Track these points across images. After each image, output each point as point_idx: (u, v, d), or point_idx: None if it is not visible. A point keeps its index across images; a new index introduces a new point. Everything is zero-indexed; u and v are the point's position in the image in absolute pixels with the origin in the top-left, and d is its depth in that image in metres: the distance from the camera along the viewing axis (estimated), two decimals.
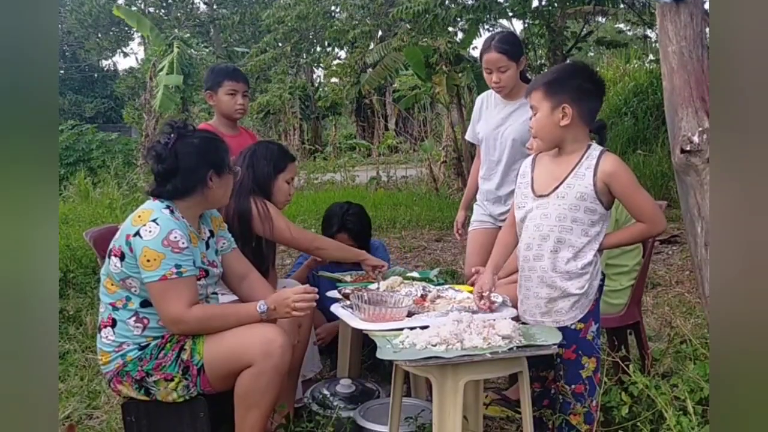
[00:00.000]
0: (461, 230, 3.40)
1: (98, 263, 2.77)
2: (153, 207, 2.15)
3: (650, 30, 10.42)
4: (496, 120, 3.13)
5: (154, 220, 2.09)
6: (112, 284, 2.16)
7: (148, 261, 2.05)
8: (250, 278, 2.39)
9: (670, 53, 2.54)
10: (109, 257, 2.15)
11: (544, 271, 2.10)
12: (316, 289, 2.25)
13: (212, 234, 2.35)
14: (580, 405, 2.05)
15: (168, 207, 2.16)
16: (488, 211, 3.19)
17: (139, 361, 2.12)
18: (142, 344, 2.14)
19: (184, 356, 2.12)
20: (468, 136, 3.39)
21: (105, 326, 2.18)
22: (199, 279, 2.18)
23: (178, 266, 2.07)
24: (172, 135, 2.17)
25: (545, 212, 2.10)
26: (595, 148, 2.08)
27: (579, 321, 2.09)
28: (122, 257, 2.10)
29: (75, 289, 4.71)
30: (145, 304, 2.14)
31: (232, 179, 2.30)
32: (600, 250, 2.12)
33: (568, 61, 3.05)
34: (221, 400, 2.20)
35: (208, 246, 2.30)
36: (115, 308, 2.16)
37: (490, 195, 3.17)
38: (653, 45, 12.28)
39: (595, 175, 2.03)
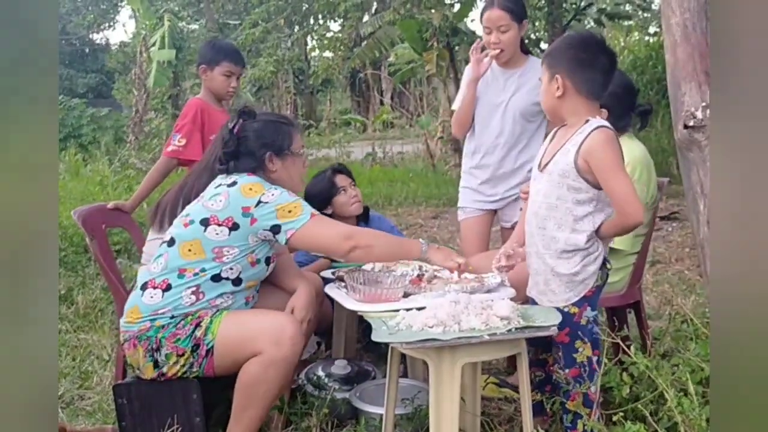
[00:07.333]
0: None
1: (88, 242, 2.71)
2: (259, 180, 2.19)
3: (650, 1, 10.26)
4: (499, 92, 2.90)
5: (269, 189, 2.14)
6: (190, 250, 2.12)
7: (290, 212, 2.11)
8: (281, 258, 2.36)
9: (674, 25, 2.47)
10: (208, 225, 2.11)
11: (537, 248, 2.07)
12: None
13: None
14: (579, 387, 2.02)
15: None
16: (481, 195, 2.98)
17: (161, 328, 2.08)
18: (176, 314, 2.10)
19: (198, 333, 2.08)
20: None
21: (154, 287, 2.12)
22: (268, 263, 2.23)
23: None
24: (238, 120, 2.25)
25: (537, 188, 2.07)
26: (591, 124, 1.94)
27: (573, 305, 2.04)
28: (235, 227, 2.10)
29: (66, 267, 4.64)
30: (217, 278, 2.13)
31: (298, 162, 2.30)
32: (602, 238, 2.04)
33: (570, 32, 2.94)
34: (216, 382, 2.16)
35: None
36: (180, 275, 2.11)
37: (485, 173, 2.94)
38: (651, 16, 12.12)
39: (577, 151, 1.93)
